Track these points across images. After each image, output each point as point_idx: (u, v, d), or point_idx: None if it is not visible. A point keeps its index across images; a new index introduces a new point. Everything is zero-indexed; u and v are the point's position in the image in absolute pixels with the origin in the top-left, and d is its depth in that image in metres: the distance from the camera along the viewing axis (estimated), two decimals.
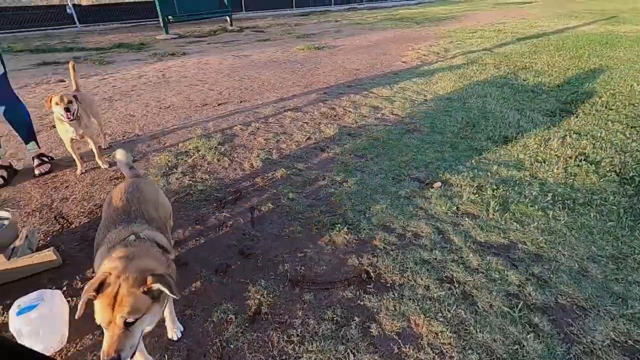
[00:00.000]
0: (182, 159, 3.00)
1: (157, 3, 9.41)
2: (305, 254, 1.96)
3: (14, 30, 10.16)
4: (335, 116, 3.89)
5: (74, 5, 10.91)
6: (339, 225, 2.15)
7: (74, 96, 2.50)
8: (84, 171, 2.84)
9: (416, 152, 3.03)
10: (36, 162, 2.84)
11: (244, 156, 3.04)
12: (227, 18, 11.25)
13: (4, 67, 2.57)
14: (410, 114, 3.90)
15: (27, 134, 2.84)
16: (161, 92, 4.89)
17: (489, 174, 2.66)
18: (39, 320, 1.39)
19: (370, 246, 2.00)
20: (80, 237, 2.13)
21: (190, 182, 2.67)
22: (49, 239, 2.11)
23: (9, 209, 1.85)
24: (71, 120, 2.49)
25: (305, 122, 3.73)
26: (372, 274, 1.80)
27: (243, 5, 15.39)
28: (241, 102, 4.45)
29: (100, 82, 5.52)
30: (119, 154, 1.74)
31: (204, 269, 1.87)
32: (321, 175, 2.72)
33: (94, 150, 2.82)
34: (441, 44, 7.80)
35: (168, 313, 1.44)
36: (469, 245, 1.98)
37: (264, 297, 1.69)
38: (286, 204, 2.39)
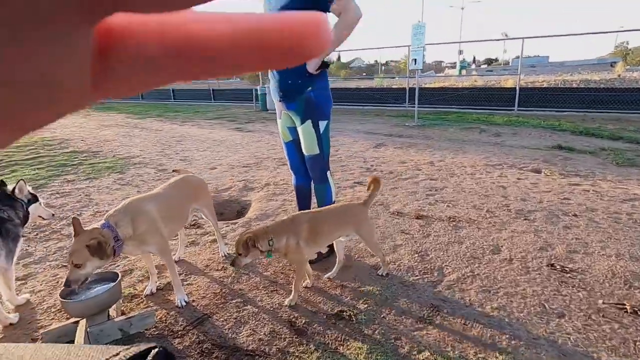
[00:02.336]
0: None
1: None
2: None
3: (579, 110, 9.80)
4: None
5: None
6: None
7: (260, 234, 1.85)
8: (310, 285, 2.20)
9: None
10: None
11: None
12: None
13: (322, 149, 2.39)
14: None
15: None
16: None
17: None
18: None
19: None
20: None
21: None
22: (157, 333, 1.85)
23: (119, 272, 1.79)
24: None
25: None
26: None
27: None
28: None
29: (564, 190, 3.98)
30: None
31: None
32: None
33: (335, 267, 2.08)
34: None
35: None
36: None
37: None
38: None
